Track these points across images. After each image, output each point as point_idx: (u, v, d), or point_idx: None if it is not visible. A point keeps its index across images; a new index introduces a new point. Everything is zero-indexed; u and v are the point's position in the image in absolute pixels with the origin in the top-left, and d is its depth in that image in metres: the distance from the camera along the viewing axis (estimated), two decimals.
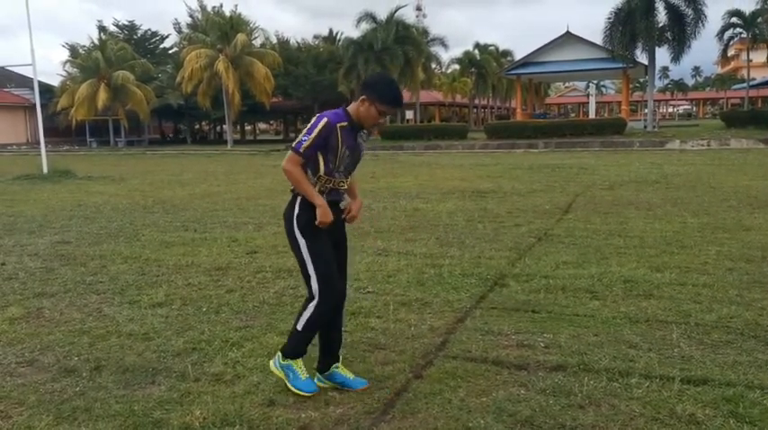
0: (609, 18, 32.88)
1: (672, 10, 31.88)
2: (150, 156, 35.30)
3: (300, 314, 3.54)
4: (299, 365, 3.56)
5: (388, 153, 31.24)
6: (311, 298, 3.49)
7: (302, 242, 3.49)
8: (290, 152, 3.42)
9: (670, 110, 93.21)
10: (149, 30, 59.21)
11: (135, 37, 57.09)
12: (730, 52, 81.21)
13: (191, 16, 50.99)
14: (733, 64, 77.08)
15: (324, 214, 3.40)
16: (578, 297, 5.19)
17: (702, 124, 45.87)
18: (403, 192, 13.29)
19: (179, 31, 53.74)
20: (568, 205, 10.67)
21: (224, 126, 58.31)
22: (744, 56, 71.58)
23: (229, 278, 6.19)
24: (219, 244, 7.96)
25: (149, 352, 4.22)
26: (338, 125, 3.40)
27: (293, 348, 3.56)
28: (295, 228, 3.50)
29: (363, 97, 3.44)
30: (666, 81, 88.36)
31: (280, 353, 3.62)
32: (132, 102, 45.68)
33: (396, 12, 43.39)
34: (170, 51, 57.74)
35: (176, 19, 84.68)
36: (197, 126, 66.51)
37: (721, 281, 5.56)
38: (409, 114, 49.16)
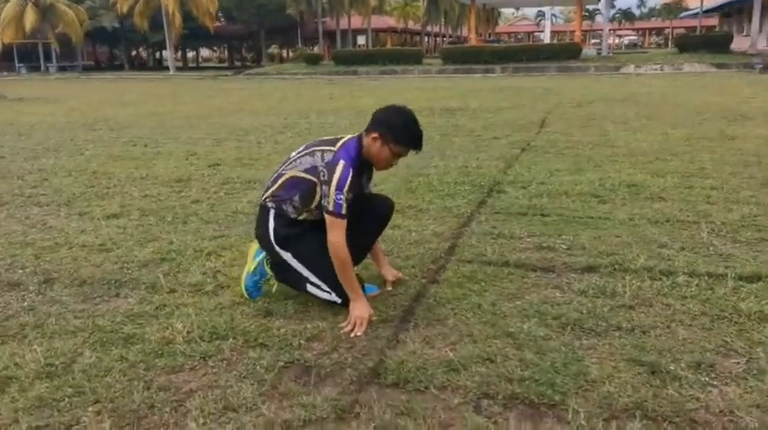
0: None
1: None
2: (85, 81, 33.27)
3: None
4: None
5: (342, 78, 30.17)
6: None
7: (287, 255, 2.93)
8: (329, 218, 2.77)
9: (616, 41, 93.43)
10: None
11: None
12: None
13: None
14: None
15: (363, 309, 2.75)
16: (585, 201, 4.75)
17: (650, 53, 45.96)
18: (366, 110, 12.50)
19: None
20: (542, 120, 10.22)
21: (164, 52, 55.47)
22: None
23: (192, 189, 5.51)
24: (176, 157, 7.22)
25: (109, 263, 3.59)
26: (352, 167, 2.81)
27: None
28: (273, 244, 2.94)
29: (376, 135, 2.82)
30: (614, 11, 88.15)
31: (269, 260, 3.05)
32: (63, 23, 42.67)
33: None
34: None
35: None
36: (134, 52, 63.09)
37: (728, 184, 5.21)
38: (361, 40, 47.64)
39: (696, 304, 2.82)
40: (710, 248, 3.59)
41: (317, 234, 2.88)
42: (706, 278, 3.12)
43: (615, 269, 3.29)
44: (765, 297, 2.86)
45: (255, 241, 3.13)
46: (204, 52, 78.09)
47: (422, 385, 2.23)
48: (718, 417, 2.01)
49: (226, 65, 60.08)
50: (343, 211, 2.78)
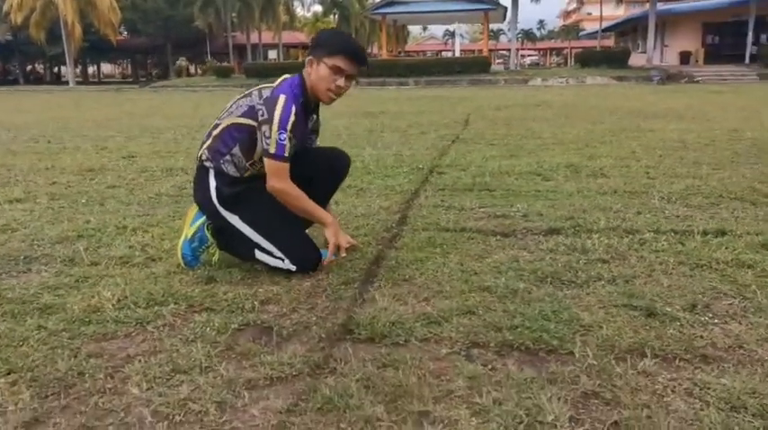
0: None
1: None
2: None
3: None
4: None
5: None
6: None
7: (233, 218, 2.57)
8: (271, 163, 2.44)
9: (520, 60, 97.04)
10: None
11: None
12: (571, 6, 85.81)
13: None
14: (574, 17, 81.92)
15: (336, 234, 2.55)
16: (528, 179, 4.64)
17: (554, 69, 47.77)
18: None
19: None
20: (465, 120, 10.20)
21: (62, 67, 52.77)
22: (585, 9, 75.97)
23: (108, 177, 5.02)
24: (84, 151, 6.63)
25: (15, 241, 3.11)
26: (295, 103, 2.48)
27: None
28: (217, 206, 2.58)
29: (310, 57, 2.52)
30: (516, 32, 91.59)
31: (211, 226, 2.69)
32: None
33: None
34: None
35: None
36: (30, 66, 59.70)
37: (662, 163, 5.25)
38: (272, 55, 47.10)
39: (670, 256, 2.70)
40: (666, 212, 3.52)
41: (266, 192, 2.56)
42: (672, 234, 3.02)
43: (578, 230, 3.14)
44: (737, 247, 2.78)
45: (194, 205, 2.76)
46: (106, 67, 74.77)
47: (401, 339, 1.96)
48: (729, 352, 1.85)
49: (130, 80, 57.65)
50: (287, 153, 2.45)
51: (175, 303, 2.24)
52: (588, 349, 1.84)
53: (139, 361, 1.82)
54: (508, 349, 1.88)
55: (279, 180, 2.48)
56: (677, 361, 1.80)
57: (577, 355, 1.81)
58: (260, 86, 2.56)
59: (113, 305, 2.21)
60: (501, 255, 2.77)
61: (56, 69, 60.39)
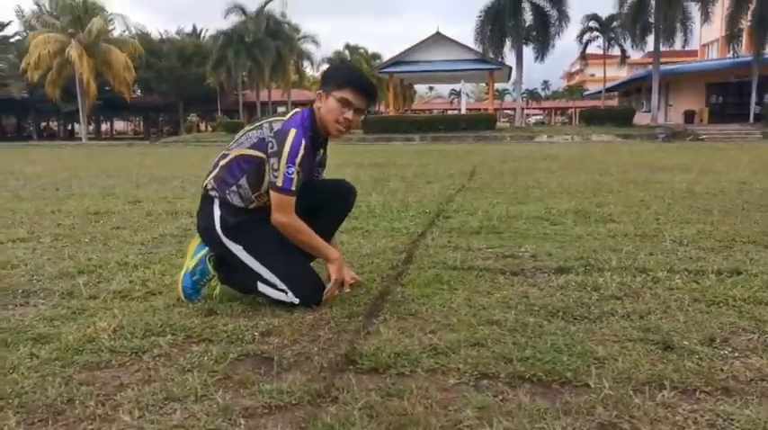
0: (479, 16, 33.69)
1: (537, 10, 33.23)
2: None
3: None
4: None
5: None
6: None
7: (236, 248, 2.53)
8: (277, 196, 2.42)
9: (525, 119, 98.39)
10: None
11: None
12: (574, 68, 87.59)
13: (36, 4, 46.10)
14: (578, 78, 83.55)
15: (340, 269, 2.55)
16: (536, 223, 4.58)
17: (559, 127, 48.28)
18: None
19: (22, 18, 48.50)
20: (471, 172, 10.21)
21: (75, 124, 53.75)
22: (588, 71, 77.47)
23: (113, 219, 4.99)
24: (92, 197, 6.63)
25: (15, 277, 3.06)
26: (305, 137, 2.48)
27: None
28: (221, 235, 2.53)
29: (320, 92, 2.54)
30: (522, 92, 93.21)
31: (213, 258, 2.64)
32: None
33: (266, 5, 42.05)
34: (12, 40, 52.21)
35: (19, 6, 76.76)
36: (44, 123, 60.80)
37: (671, 210, 5.19)
38: (281, 111, 47.82)
39: (686, 293, 2.61)
40: (678, 253, 3.45)
41: (271, 223, 2.52)
42: (686, 273, 2.94)
43: (589, 269, 3.07)
44: (753, 286, 2.69)
45: (196, 236, 2.72)
46: (119, 124, 76.21)
47: (406, 369, 1.88)
48: (752, 385, 1.75)
49: (141, 136, 58.54)
50: (294, 187, 2.42)
51: (173, 334, 2.17)
52: (604, 380, 1.75)
53: (132, 389, 1.74)
54: (519, 380, 1.80)
55: (284, 214, 2.45)
56: (697, 393, 1.71)
57: (593, 386, 1.72)
58: (270, 119, 2.55)
59: (109, 335, 2.14)
60: (509, 292, 2.70)
61: (69, 126, 61.47)
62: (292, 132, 2.41)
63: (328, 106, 2.51)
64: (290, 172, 2.39)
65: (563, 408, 1.61)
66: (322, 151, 2.75)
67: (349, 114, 2.52)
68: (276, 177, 2.40)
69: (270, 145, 2.43)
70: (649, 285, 2.76)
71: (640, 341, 2.07)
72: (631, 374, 1.80)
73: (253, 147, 2.50)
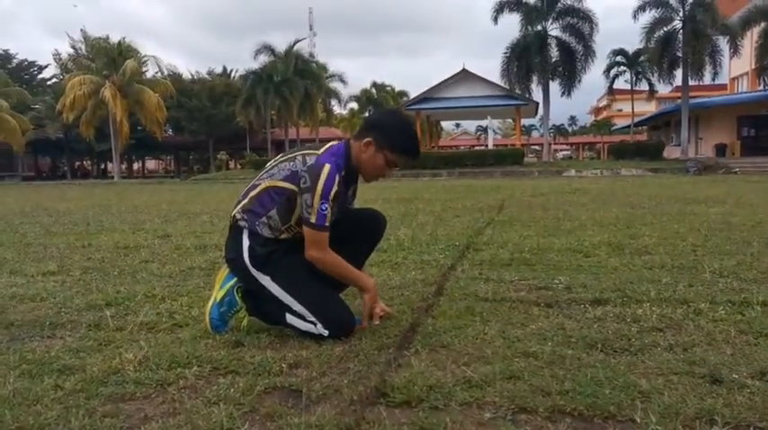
0: (505, 53, 33.90)
1: (563, 46, 33.32)
2: (25, 187, 32.23)
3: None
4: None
5: None
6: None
7: (265, 279, 2.50)
8: (311, 232, 2.41)
9: (553, 155, 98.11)
10: (26, 59, 55.26)
11: (9, 66, 52.86)
12: (601, 103, 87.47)
13: (73, 47, 47.66)
14: (605, 113, 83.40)
15: (374, 299, 2.53)
16: (569, 255, 4.47)
17: (587, 161, 47.97)
18: None
19: (59, 62, 50.08)
20: (500, 206, 10.12)
21: (108, 163, 54.93)
22: (615, 106, 77.27)
23: (142, 253, 5.00)
24: (122, 232, 6.68)
25: (44, 309, 3.06)
26: (338, 173, 2.45)
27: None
28: (249, 266, 2.50)
29: (369, 140, 2.50)
30: (549, 127, 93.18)
31: (240, 289, 2.60)
32: (5, 133, 41.65)
33: (294, 45, 42.89)
34: (49, 83, 53.93)
35: (56, 49, 79.09)
36: (78, 163, 62.23)
37: (709, 242, 5.04)
38: None
39: (730, 325, 2.50)
40: (720, 284, 3.31)
41: (300, 254, 2.48)
42: (729, 305, 2.82)
43: (627, 301, 2.96)
44: None
45: (224, 267, 2.69)
46: (150, 163, 77.71)
47: (439, 403, 1.79)
48: None
49: (172, 175, 59.55)
50: (327, 223, 2.40)
51: (199, 366, 2.12)
52: (651, 415, 1.65)
53: (157, 421, 1.69)
54: (559, 414, 1.70)
55: (318, 250, 2.43)
56: (751, 429, 1.59)
57: (639, 421, 1.62)
58: (303, 152, 2.52)
59: (134, 367, 2.09)
60: (545, 323, 2.60)
61: (102, 165, 62.80)
62: (326, 168, 2.39)
63: (375, 161, 2.51)
64: (323, 208, 2.37)
65: None
66: (355, 185, 2.72)
67: (390, 171, 2.58)
68: (309, 214, 2.38)
69: (303, 180, 2.41)
70: (691, 317, 2.64)
71: (686, 374, 1.96)
72: (679, 409, 1.70)
73: (285, 179, 2.47)
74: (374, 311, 2.52)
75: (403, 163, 2.56)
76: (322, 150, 2.51)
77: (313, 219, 2.38)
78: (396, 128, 2.52)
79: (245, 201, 2.57)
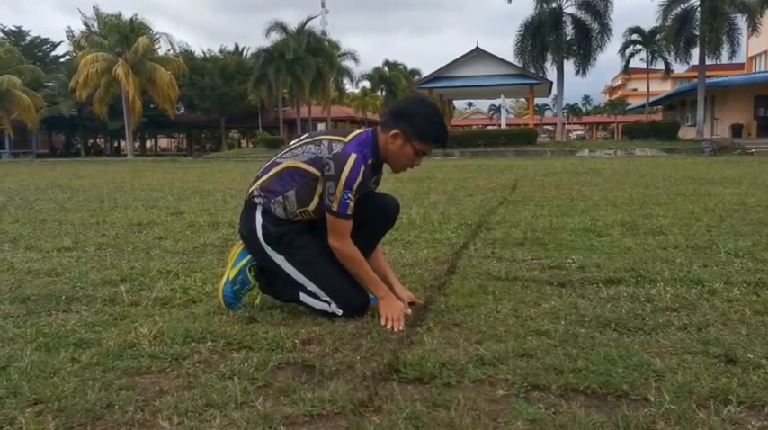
0: (519, 31, 33.49)
1: (578, 24, 32.88)
2: (40, 163, 32.45)
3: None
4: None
5: None
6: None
7: (279, 258, 2.48)
8: (333, 220, 2.39)
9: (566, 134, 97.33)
10: (39, 37, 55.24)
11: (22, 43, 52.89)
12: (615, 82, 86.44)
13: (85, 24, 47.55)
14: (619, 93, 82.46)
15: (393, 305, 2.42)
16: (582, 235, 4.45)
17: (601, 141, 47.52)
18: None
19: (72, 39, 50.06)
20: (513, 185, 10.08)
21: (121, 141, 55.14)
22: (630, 85, 76.34)
23: (155, 229, 5.04)
24: (135, 209, 6.72)
25: (59, 284, 3.08)
26: (364, 164, 2.41)
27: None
28: (262, 243, 2.49)
29: (396, 131, 2.44)
30: (562, 107, 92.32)
31: (253, 267, 2.61)
32: (19, 109, 41.86)
33: (307, 22, 42.59)
34: (62, 60, 53.97)
35: (69, 26, 78.99)
36: (91, 141, 62.50)
37: (724, 222, 5.00)
38: (321, 127, 48.25)
39: (746, 305, 2.48)
40: (735, 265, 3.29)
41: (314, 232, 2.48)
42: (744, 285, 2.80)
43: (640, 280, 2.95)
44: None
45: (238, 243, 2.69)
46: (163, 141, 77.84)
47: (452, 379, 1.80)
48: None
49: (185, 153, 59.66)
50: (350, 212, 2.38)
51: (213, 341, 2.13)
52: (664, 394, 1.65)
53: (172, 395, 1.71)
54: (572, 392, 1.71)
55: (339, 238, 2.42)
56: (766, 408, 1.59)
57: (652, 400, 1.62)
58: (330, 137, 2.48)
59: (149, 341, 2.11)
60: (558, 302, 2.60)
61: (115, 143, 63.02)
62: (352, 158, 2.36)
63: (404, 151, 2.47)
64: (346, 197, 2.36)
65: (622, 423, 1.51)
66: (380, 173, 2.70)
67: (419, 160, 2.54)
68: (332, 201, 2.37)
69: (327, 167, 2.38)
70: (706, 297, 2.63)
71: (700, 354, 1.95)
72: (693, 388, 1.69)
73: (308, 162, 2.44)
74: (394, 317, 2.37)
75: (430, 149, 2.53)
76: (348, 138, 2.46)
77: (335, 207, 2.37)
78: (424, 117, 2.46)
79: (265, 177, 2.55)
